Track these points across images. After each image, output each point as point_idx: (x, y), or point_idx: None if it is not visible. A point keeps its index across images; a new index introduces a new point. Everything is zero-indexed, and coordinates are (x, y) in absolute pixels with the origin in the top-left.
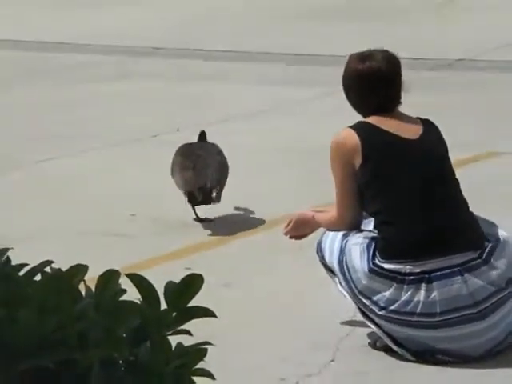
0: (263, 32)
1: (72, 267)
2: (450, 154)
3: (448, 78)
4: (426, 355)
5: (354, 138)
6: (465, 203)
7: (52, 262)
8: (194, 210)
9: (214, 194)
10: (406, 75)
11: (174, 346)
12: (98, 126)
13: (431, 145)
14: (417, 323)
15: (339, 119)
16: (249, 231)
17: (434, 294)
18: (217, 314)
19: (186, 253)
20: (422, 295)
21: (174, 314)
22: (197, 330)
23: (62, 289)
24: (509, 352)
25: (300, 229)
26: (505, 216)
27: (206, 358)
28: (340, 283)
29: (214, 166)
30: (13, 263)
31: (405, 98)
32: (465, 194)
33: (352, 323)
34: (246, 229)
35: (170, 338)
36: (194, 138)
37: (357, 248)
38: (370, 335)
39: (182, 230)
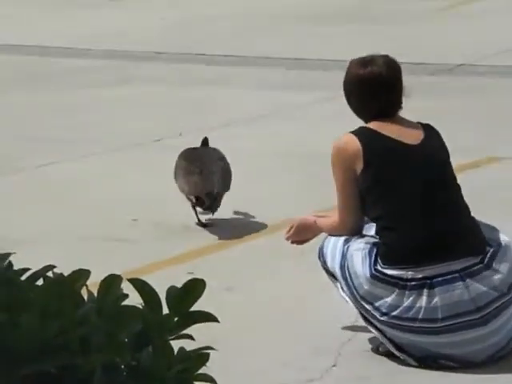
0: (263, 37)
1: (74, 272)
2: (452, 159)
3: (448, 83)
4: (428, 361)
5: (355, 144)
6: (466, 208)
7: (54, 266)
8: (196, 214)
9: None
10: (407, 80)
11: (176, 350)
12: (99, 131)
13: (432, 150)
14: (419, 329)
15: (340, 124)
16: (250, 236)
17: (436, 299)
18: (219, 319)
19: (187, 257)
20: (423, 301)
21: (176, 318)
22: (199, 335)
23: (64, 293)
24: (511, 357)
25: (302, 234)
26: (506, 221)
27: (208, 363)
28: (342, 288)
29: (219, 171)
30: (15, 267)
31: (405, 102)
32: (466, 199)
33: (354, 328)
34: (248, 233)
35: (172, 342)
36: (196, 143)
37: (358, 253)
38: (372, 340)
39: (184, 235)
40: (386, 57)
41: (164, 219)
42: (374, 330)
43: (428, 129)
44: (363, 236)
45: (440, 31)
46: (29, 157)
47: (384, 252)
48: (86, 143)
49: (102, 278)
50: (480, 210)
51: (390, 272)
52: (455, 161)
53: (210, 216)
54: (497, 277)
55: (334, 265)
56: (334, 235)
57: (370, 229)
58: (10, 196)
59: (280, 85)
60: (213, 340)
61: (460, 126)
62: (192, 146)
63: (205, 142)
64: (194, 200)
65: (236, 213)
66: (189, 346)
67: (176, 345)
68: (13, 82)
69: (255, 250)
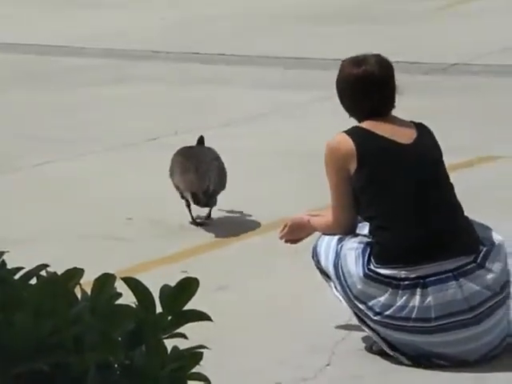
0: (263, 36)
1: (67, 271)
2: (445, 158)
3: (443, 82)
4: (421, 359)
5: (348, 143)
6: (460, 207)
7: (47, 265)
8: (190, 213)
9: (216, 197)
10: (401, 79)
11: (169, 349)
12: (98, 130)
13: (425, 149)
14: (412, 328)
15: (338, 122)
16: (246, 234)
17: (429, 299)
18: (213, 318)
19: (182, 256)
20: (417, 300)
21: (170, 317)
22: (192, 334)
23: (58, 292)
24: (503, 357)
25: (295, 233)
26: (500, 220)
27: (201, 362)
28: (335, 288)
29: (215, 170)
30: (11, 266)
31: (400, 101)
32: (460, 198)
33: (348, 327)
34: (244, 232)
35: (165, 341)
36: (195, 142)
37: (352, 253)
38: (365, 339)
39: (179, 234)
40: (378, 56)
41: (160, 218)
42: (367, 330)
43: (421, 128)
44: (357, 235)
45: (438, 31)
46: (28, 155)
47: (377, 251)
48: (85, 142)
49: (96, 276)
50: (475, 209)
51: (383, 271)
52: (450, 160)
53: (205, 215)
54: (490, 276)
55: (328, 264)
56: (327, 234)
57: (364, 228)
58: (9, 195)
59: (279, 84)
60: (206, 339)
61: (455, 125)
62: (188, 145)
63: (200, 140)
64: (190, 197)
65: (233, 211)
66: (182, 344)
67: (169, 344)
68: (12, 80)
69: (250, 248)
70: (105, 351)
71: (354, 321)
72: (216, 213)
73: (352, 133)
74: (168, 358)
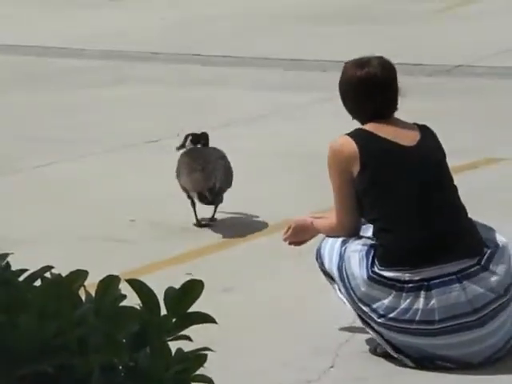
0: (263, 37)
1: (72, 272)
2: (449, 161)
3: (446, 84)
4: (425, 362)
5: (351, 146)
6: (463, 209)
7: (52, 267)
8: (195, 213)
9: (222, 195)
10: (405, 81)
11: (173, 351)
12: (99, 131)
13: (429, 151)
14: (416, 331)
15: (339, 124)
16: (249, 236)
17: (433, 301)
18: (217, 319)
19: (186, 258)
20: (420, 303)
21: (174, 319)
22: (197, 336)
23: (62, 294)
24: (508, 359)
25: (299, 235)
26: (504, 222)
27: (206, 364)
28: (339, 290)
29: (221, 169)
30: (13, 268)
31: (403, 103)
32: (463, 200)
33: (352, 329)
34: (247, 233)
35: (169, 343)
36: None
37: (356, 255)
38: (369, 341)
39: (183, 235)
40: (381, 58)
41: (163, 219)
42: (371, 332)
43: (424, 130)
44: (360, 237)
45: (438, 32)
46: (28, 157)
47: (381, 254)
48: (85, 143)
49: (101, 278)
50: (478, 212)
51: (387, 274)
52: (453, 162)
53: (209, 216)
54: (494, 278)
55: (332, 266)
56: (331, 236)
57: (368, 230)
58: (10, 196)
59: (279, 85)
60: (211, 341)
61: (458, 127)
62: (194, 146)
63: (204, 136)
64: (196, 197)
65: (235, 213)
66: (187, 347)
67: (174, 346)
68: (12, 82)
69: (254, 250)
70: (109, 353)
71: (358, 323)
72: (219, 214)
73: (355, 135)
74: (172, 360)
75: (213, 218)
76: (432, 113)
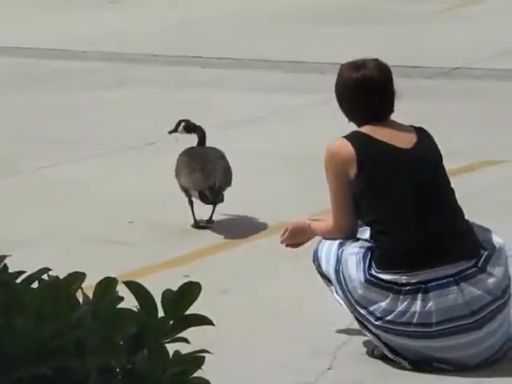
0: (263, 38)
1: (69, 274)
2: (447, 163)
3: (445, 86)
4: (422, 364)
5: (348, 149)
6: (460, 211)
7: (49, 269)
8: (193, 214)
9: (222, 194)
10: (403, 83)
11: (171, 354)
12: (99, 133)
13: (425, 153)
14: (413, 333)
15: (336, 126)
16: (247, 238)
17: (430, 304)
18: (215, 322)
19: (184, 260)
20: (418, 305)
21: (172, 321)
22: (194, 338)
23: (60, 296)
24: (505, 361)
25: (296, 237)
26: (501, 224)
27: (203, 366)
28: (336, 292)
29: (221, 168)
30: (12, 269)
31: (402, 106)
32: (461, 202)
33: (349, 331)
34: (245, 235)
35: (167, 345)
36: (194, 144)
37: (353, 258)
38: (366, 344)
39: (181, 237)
40: (376, 60)
41: (161, 221)
42: (368, 334)
43: (420, 132)
44: (357, 240)
45: (437, 34)
46: (29, 158)
47: (378, 256)
48: (86, 145)
49: (98, 280)
50: (475, 214)
51: (384, 276)
52: (451, 164)
53: (207, 218)
54: (491, 280)
55: (329, 268)
56: (328, 239)
57: (365, 232)
58: (10, 197)
59: (278, 87)
60: (208, 343)
61: (456, 130)
62: (193, 146)
63: (199, 128)
64: (197, 196)
65: (233, 215)
66: (184, 349)
67: (171, 348)
68: (13, 83)
69: (252, 251)
70: (106, 355)
71: (356, 325)
72: (217, 216)
73: (352, 138)
74: (170, 362)
75: (210, 220)
76: (430, 115)
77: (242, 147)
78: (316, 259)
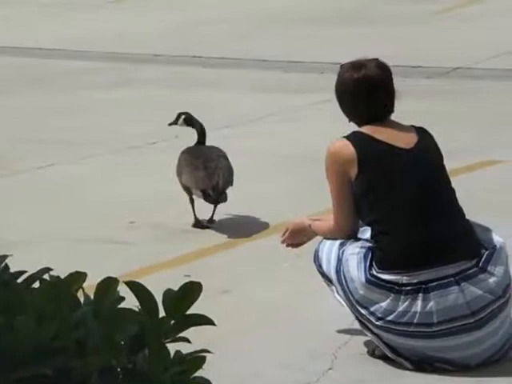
0: (262, 39)
1: (70, 274)
2: (447, 162)
3: (445, 87)
4: (423, 364)
5: (349, 149)
6: (461, 211)
7: (50, 269)
8: (194, 213)
9: (225, 194)
10: (403, 83)
11: (172, 353)
12: (100, 133)
13: (426, 153)
14: (414, 333)
15: (337, 126)
16: (248, 238)
17: (431, 304)
18: (216, 321)
19: (185, 260)
20: (418, 306)
21: (173, 321)
22: (195, 338)
23: (61, 296)
24: (505, 361)
25: (296, 237)
26: (500, 224)
27: (204, 366)
28: (337, 292)
29: (223, 167)
30: (12, 269)
31: (402, 106)
32: (461, 202)
33: (350, 331)
34: (246, 235)
35: (168, 345)
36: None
37: (354, 258)
38: (367, 344)
39: (182, 237)
40: (376, 60)
41: (161, 221)
42: (369, 334)
43: (421, 132)
44: (358, 240)
45: (437, 34)
46: (29, 158)
47: (379, 257)
48: (87, 145)
49: (99, 280)
50: (475, 213)
51: (385, 277)
52: (451, 164)
53: (207, 218)
54: (492, 280)
55: (330, 268)
56: (329, 239)
57: (365, 232)
58: (8, 198)
59: (277, 87)
60: (209, 343)
61: (456, 129)
62: (194, 145)
63: (198, 123)
64: (200, 195)
65: (234, 215)
66: (185, 349)
67: (172, 348)
68: (12, 83)
69: (252, 252)
70: (108, 355)
71: (356, 325)
72: (217, 216)
73: (352, 138)
74: (171, 362)
75: (211, 220)
76: (430, 115)
77: (242, 147)
78: (317, 259)
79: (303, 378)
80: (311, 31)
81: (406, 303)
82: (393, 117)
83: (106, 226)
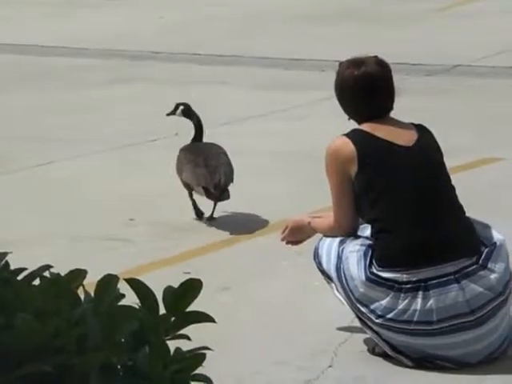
0: (261, 36)
1: (71, 272)
2: (447, 160)
3: (445, 84)
4: (423, 362)
5: (349, 147)
6: (461, 209)
7: (51, 266)
8: (194, 206)
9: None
10: (404, 80)
11: (172, 350)
12: (99, 130)
13: (426, 151)
14: (414, 331)
15: (337, 123)
16: (248, 235)
17: (431, 302)
18: (216, 319)
19: (185, 257)
20: (418, 303)
21: (173, 318)
22: (195, 335)
23: (61, 293)
24: (505, 358)
25: (296, 234)
26: (500, 222)
27: (204, 363)
28: (337, 289)
29: (224, 164)
30: (11, 267)
31: (403, 103)
32: (461, 199)
33: (350, 329)
34: (246, 233)
35: (168, 342)
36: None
37: (354, 255)
38: (367, 341)
39: (181, 234)
40: (376, 57)
41: (162, 218)
42: (369, 332)
43: (421, 130)
44: (358, 237)
45: (437, 32)
46: (28, 156)
47: (379, 254)
48: (86, 142)
49: (99, 277)
50: (476, 211)
51: (385, 275)
52: (452, 162)
53: (207, 215)
54: (493, 276)
55: (330, 266)
56: (329, 236)
57: (365, 230)
58: (8, 195)
59: (278, 85)
60: (209, 340)
61: (456, 127)
62: (191, 142)
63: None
64: (202, 192)
65: (233, 212)
66: (185, 346)
67: (172, 345)
68: (11, 81)
69: (252, 249)
70: (108, 352)
71: (356, 323)
72: (217, 213)
73: (352, 136)
74: (171, 359)
75: (211, 217)
76: (430, 112)
77: (243, 144)
78: (316, 256)
79: (303, 375)
80: (312, 29)
81: (406, 301)
82: (392, 114)
83: (105, 223)
